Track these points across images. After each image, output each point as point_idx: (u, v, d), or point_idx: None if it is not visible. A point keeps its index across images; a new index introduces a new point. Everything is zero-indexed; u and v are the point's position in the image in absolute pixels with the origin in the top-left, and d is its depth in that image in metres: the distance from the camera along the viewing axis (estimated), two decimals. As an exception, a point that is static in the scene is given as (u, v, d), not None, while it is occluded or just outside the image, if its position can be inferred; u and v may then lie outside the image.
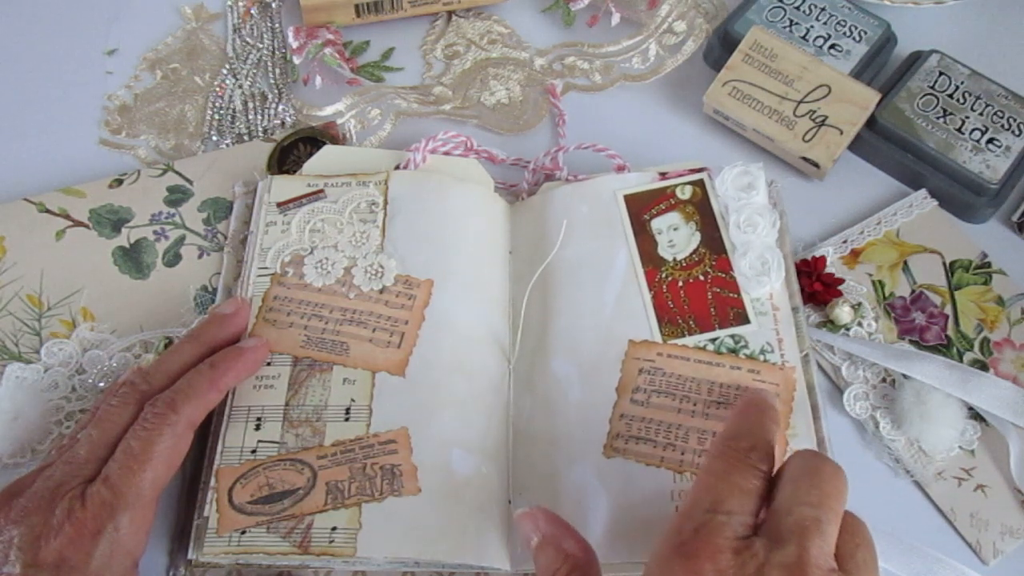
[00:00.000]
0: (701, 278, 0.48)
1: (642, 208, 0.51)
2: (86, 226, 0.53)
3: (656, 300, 0.48)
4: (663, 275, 0.49)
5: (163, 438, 0.39)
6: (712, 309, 0.47)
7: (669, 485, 0.42)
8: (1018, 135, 0.55)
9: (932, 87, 0.57)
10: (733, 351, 0.46)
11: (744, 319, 0.47)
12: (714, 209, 0.50)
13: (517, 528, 0.39)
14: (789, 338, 0.46)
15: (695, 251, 0.49)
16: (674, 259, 0.49)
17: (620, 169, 0.54)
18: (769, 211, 0.50)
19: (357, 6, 0.61)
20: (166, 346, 0.49)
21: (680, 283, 0.48)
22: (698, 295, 0.48)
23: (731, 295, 0.48)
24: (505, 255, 0.52)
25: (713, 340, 0.47)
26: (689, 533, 0.33)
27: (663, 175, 0.52)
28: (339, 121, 0.59)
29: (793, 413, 0.44)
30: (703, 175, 0.51)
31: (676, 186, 0.51)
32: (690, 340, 0.47)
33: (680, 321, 0.47)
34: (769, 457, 0.35)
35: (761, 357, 0.46)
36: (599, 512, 0.42)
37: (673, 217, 0.50)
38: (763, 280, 0.48)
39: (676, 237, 0.50)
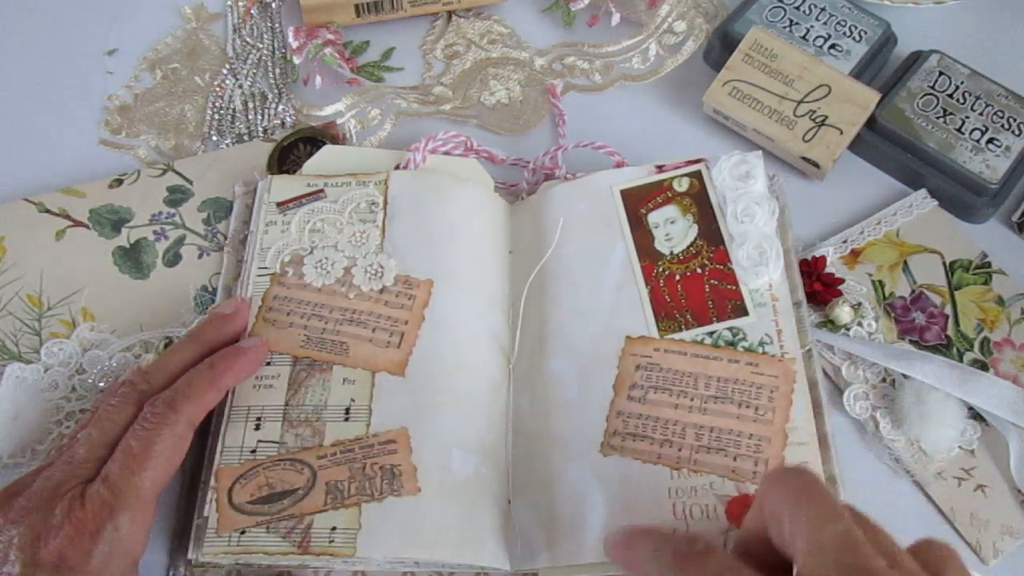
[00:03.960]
0: (698, 271, 0.48)
1: (639, 202, 0.51)
2: (86, 226, 0.53)
3: (653, 295, 0.48)
4: (660, 269, 0.49)
5: (163, 438, 0.39)
6: (710, 302, 0.47)
7: (666, 482, 0.42)
8: (1018, 135, 0.55)
9: (932, 87, 0.57)
10: (731, 344, 0.46)
11: (742, 311, 0.47)
12: (712, 200, 0.50)
13: (607, 553, 0.37)
14: (788, 329, 0.46)
15: (692, 244, 0.49)
16: (671, 252, 0.49)
17: (619, 166, 0.54)
18: (767, 200, 0.49)
19: (357, 6, 0.61)
20: (166, 346, 0.49)
21: (677, 277, 0.48)
22: (695, 288, 0.48)
23: (729, 287, 0.48)
24: (505, 255, 0.52)
25: (711, 334, 0.46)
26: None
27: (660, 168, 0.52)
28: (339, 121, 0.59)
29: (792, 406, 0.44)
30: (700, 166, 0.51)
31: (673, 178, 0.51)
32: (687, 334, 0.46)
33: (677, 315, 0.47)
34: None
35: (760, 349, 0.46)
36: (597, 510, 0.42)
37: (670, 210, 0.50)
38: (760, 270, 0.48)
39: (673, 230, 0.50)
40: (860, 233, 0.53)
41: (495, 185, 0.54)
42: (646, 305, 0.48)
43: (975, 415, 0.47)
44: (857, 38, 0.59)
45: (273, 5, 0.65)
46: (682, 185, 0.51)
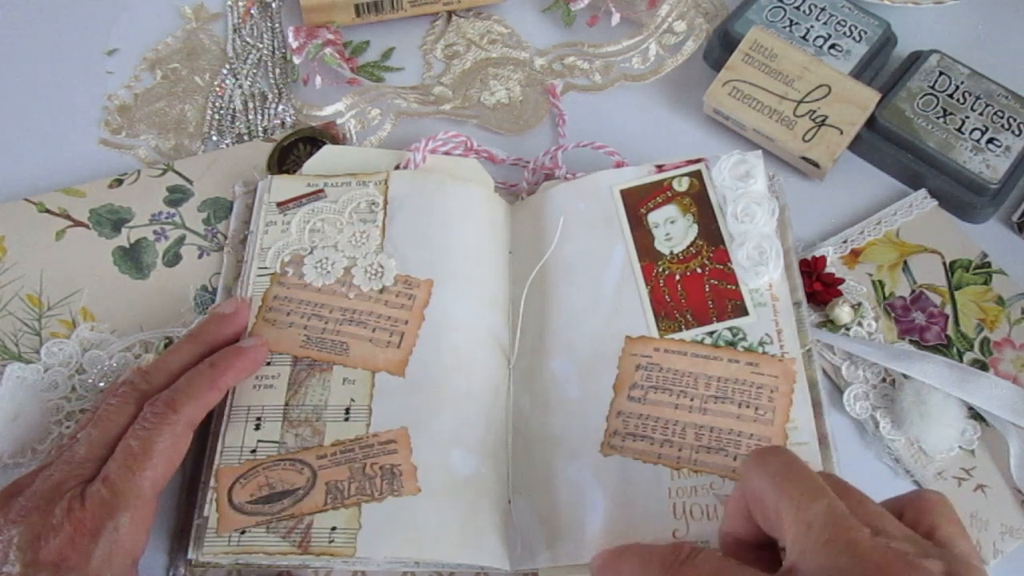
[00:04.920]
0: (698, 271, 0.48)
1: (639, 202, 0.51)
2: (86, 226, 0.53)
3: (653, 295, 0.48)
4: (660, 269, 0.49)
5: (163, 438, 0.39)
6: (710, 302, 0.47)
7: (666, 482, 0.42)
8: (1018, 135, 0.55)
9: (932, 87, 0.57)
10: (731, 344, 0.46)
11: (742, 311, 0.47)
12: (711, 200, 0.50)
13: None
14: (789, 329, 0.46)
15: (692, 243, 0.49)
16: (671, 252, 0.49)
17: (619, 166, 0.54)
18: (767, 199, 0.49)
19: (357, 6, 0.61)
20: (166, 346, 0.49)
21: (677, 277, 0.48)
22: (695, 288, 0.48)
23: (729, 287, 0.48)
24: (505, 255, 0.52)
25: (711, 333, 0.46)
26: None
27: (660, 168, 0.52)
28: (339, 121, 0.59)
29: (793, 406, 0.44)
30: (700, 166, 0.51)
31: (673, 178, 0.51)
32: (687, 334, 0.46)
33: (677, 315, 0.47)
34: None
35: (760, 349, 0.46)
36: (597, 510, 0.42)
37: (670, 210, 0.50)
38: (761, 270, 0.48)
39: (673, 230, 0.50)
40: (860, 233, 0.53)
41: (495, 185, 0.54)
42: (646, 305, 0.48)
43: (975, 415, 0.47)
44: (857, 38, 0.59)
45: (273, 5, 0.65)
46: (682, 185, 0.51)
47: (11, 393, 0.47)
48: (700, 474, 0.42)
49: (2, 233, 0.53)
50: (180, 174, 0.56)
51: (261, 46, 0.63)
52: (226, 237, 0.53)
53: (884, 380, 0.48)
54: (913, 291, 0.51)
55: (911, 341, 0.50)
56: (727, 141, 0.58)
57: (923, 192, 0.55)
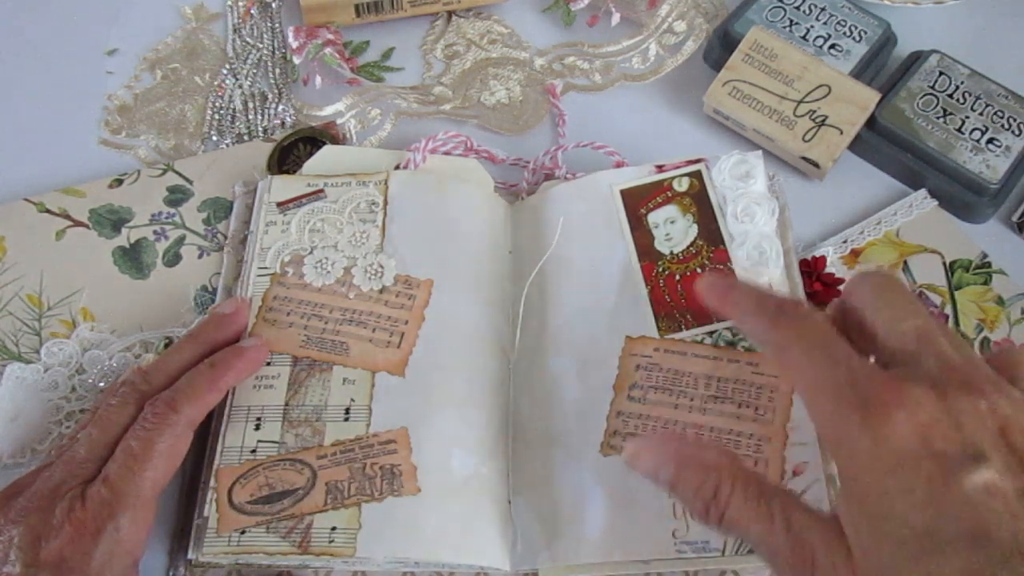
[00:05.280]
0: (698, 271, 0.48)
1: (639, 202, 0.51)
2: (86, 226, 0.53)
3: (653, 295, 0.48)
4: (660, 269, 0.49)
5: (163, 438, 0.39)
6: (710, 302, 0.47)
7: (668, 484, 0.42)
8: (1018, 135, 0.55)
9: (932, 87, 0.57)
10: (731, 344, 0.46)
11: (743, 312, 0.47)
12: (712, 200, 0.50)
13: (637, 467, 0.35)
14: None
15: (692, 243, 0.49)
16: (671, 252, 0.49)
17: (619, 166, 0.54)
18: (767, 200, 0.49)
19: (357, 6, 0.61)
20: (166, 346, 0.49)
21: (677, 277, 0.48)
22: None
23: (729, 287, 0.48)
24: (505, 255, 0.52)
25: (711, 333, 0.46)
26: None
27: (660, 168, 0.52)
28: (339, 121, 0.59)
29: (793, 406, 0.44)
30: (700, 166, 0.51)
31: (673, 178, 0.51)
32: (687, 334, 0.46)
33: (677, 315, 0.47)
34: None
35: (760, 348, 0.46)
36: (597, 511, 0.42)
37: (670, 210, 0.50)
38: (761, 270, 0.48)
39: (673, 230, 0.50)
40: (860, 233, 0.53)
41: (495, 185, 0.54)
42: (646, 305, 0.48)
43: (975, 415, 0.47)
44: (857, 38, 0.59)
45: (273, 5, 0.65)
46: (682, 185, 0.51)
47: (11, 393, 0.47)
48: (700, 474, 0.42)
49: (2, 233, 0.53)
50: (180, 174, 0.56)
51: (261, 46, 0.63)
52: (226, 237, 0.53)
53: (884, 380, 0.48)
54: (913, 291, 0.51)
55: (911, 341, 0.50)
56: (727, 141, 0.58)
57: (923, 192, 0.55)
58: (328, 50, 0.60)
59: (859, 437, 0.29)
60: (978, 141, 0.54)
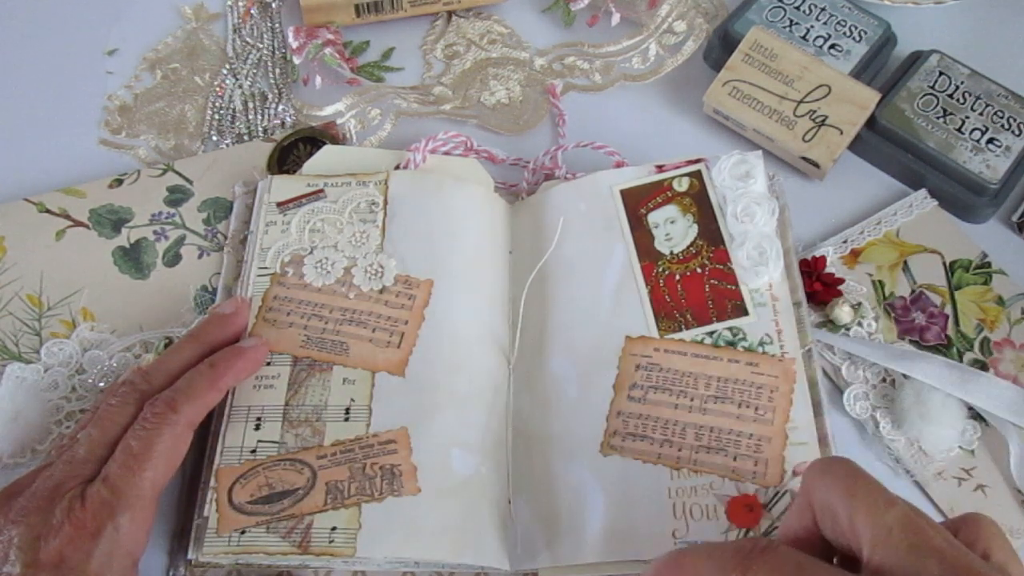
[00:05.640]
0: (698, 271, 0.48)
1: (639, 202, 0.51)
2: (86, 226, 0.53)
3: (653, 295, 0.48)
4: (660, 269, 0.49)
5: (163, 438, 0.39)
6: (710, 302, 0.47)
7: (666, 482, 0.42)
8: (1018, 135, 0.55)
9: (932, 87, 0.57)
10: (731, 344, 0.46)
11: (742, 311, 0.47)
12: (712, 200, 0.50)
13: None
14: (789, 329, 0.46)
15: (692, 243, 0.49)
16: (671, 252, 0.49)
17: (619, 166, 0.54)
18: (767, 200, 0.49)
19: (357, 6, 0.61)
20: (166, 346, 0.49)
21: (677, 277, 0.48)
22: (695, 288, 0.48)
23: (729, 287, 0.48)
24: (505, 255, 0.52)
25: (711, 333, 0.46)
26: None
27: (660, 168, 0.52)
28: (339, 121, 0.59)
29: (793, 407, 0.44)
30: (700, 166, 0.51)
31: (673, 178, 0.51)
32: (687, 334, 0.46)
33: (677, 315, 0.47)
34: None
35: (760, 349, 0.46)
36: (597, 510, 0.42)
37: (670, 210, 0.50)
38: (761, 270, 0.48)
39: (673, 230, 0.50)
40: (860, 233, 0.53)
41: (495, 185, 0.54)
42: (646, 305, 0.48)
43: (975, 415, 0.47)
44: (857, 38, 0.59)
45: (273, 5, 0.65)
46: (682, 185, 0.51)
47: (11, 393, 0.47)
48: (700, 474, 0.42)
49: (2, 233, 0.53)
50: (180, 174, 0.56)
51: (261, 46, 0.63)
52: (226, 237, 0.53)
53: (884, 380, 0.48)
54: (913, 291, 0.51)
55: (911, 341, 0.50)
56: (727, 141, 0.58)
57: (923, 192, 0.55)
58: (328, 50, 0.60)
59: None
60: (978, 141, 0.54)
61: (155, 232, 0.53)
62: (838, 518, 0.31)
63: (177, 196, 0.55)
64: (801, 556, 0.30)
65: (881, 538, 0.29)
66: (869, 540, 0.29)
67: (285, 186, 0.52)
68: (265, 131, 0.58)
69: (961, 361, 0.49)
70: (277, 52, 0.62)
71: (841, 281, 0.51)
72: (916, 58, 0.58)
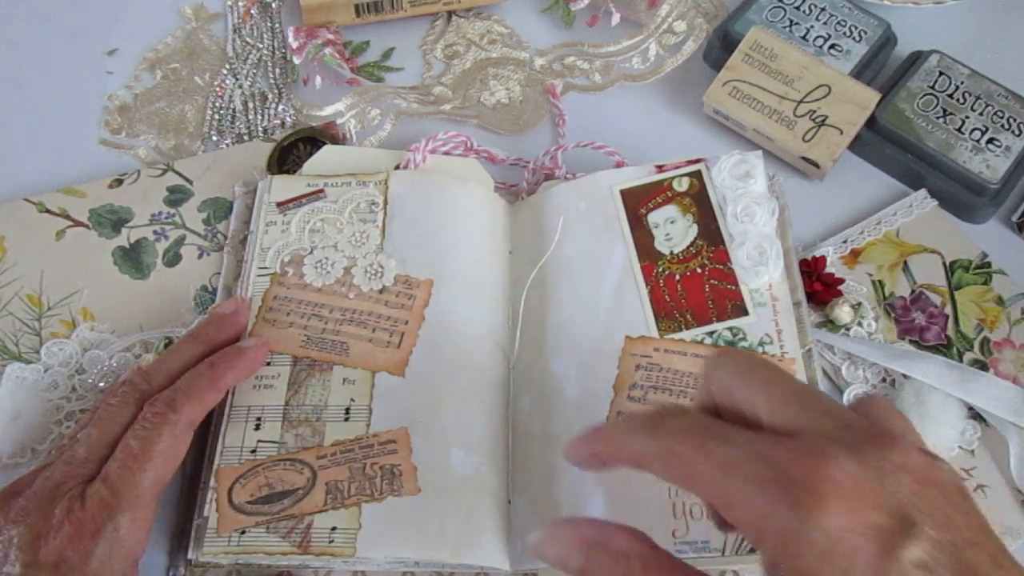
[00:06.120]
0: (698, 271, 0.48)
1: (639, 202, 0.51)
2: (86, 226, 0.53)
3: (653, 295, 0.48)
4: (660, 269, 0.49)
5: (163, 438, 0.39)
6: (710, 302, 0.47)
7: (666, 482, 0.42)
8: (1018, 135, 0.55)
9: (932, 87, 0.57)
10: (731, 344, 0.46)
11: (742, 311, 0.47)
12: (711, 200, 0.50)
13: (544, 557, 0.32)
14: (789, 329, 0.46)
15: (692, 243, 0.49)
16: (671, 252, 0.49)
17: (619, 166, 0.54)
18: (767, 200, 0.49)
19: (357, 6, 0.61)
20: (166, 346, 0.49)
21: (677, 277, 0.48)
22: (695, 288, 0.48)
23: (729, 287, 0.48)
24: (505, 255, 0.52)
25: (711, 334, 0.46)
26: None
27: (660, 168, 0.52)
28: (339, 121, 0.59)
29: None
30: (700, 166, 0.51)
31: (673, 178, 0.51)
32: (687, 334, 0.46)
33: (677, 315, 0.47)
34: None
35: (760, 349, 0.46)
36: (597, 510, 0.42)
37: (670, 210, 0.50)
38: (761, 270, 0.48)
39: (673, 230, 0.50)
40: (860, 233, 0.53)
41: (495, 185, 0.54)
42: (646, 305, 0.48)
43: (975, 415, 0.47)
44: (857, 38, 0.59)
45: (273, 5, 0.65)
46: (682, 185, 0.51)
47: (11, 393, 0.47)
48: (700, 474, 0.42)
49: (2, 233, 0.53)
50: (180, 174, 0.56)
51: (261, 46, 0.63)
52: (226, 237, 0.53)
53: (884, 380, 0.48)
54: (913, 291, 0.51)
55: (911, 341, 0.50)
56: (727, 141, 0.58)
57: (923, 192, 0.55)
58: (328, 50, 0.60)
59: (787, 524, 0.27)
60: (978, 141, 0.54)
61: (155, 232, 0.53)
62: (737, 401, 0.32)
63: (177, 196, 0.55)
64: (709, 419, 0.32)
65: (778, 408, 0.31)
66: (767, 410, 0.31)
67: (285, 186, 0.52)
68: (265, 131, 0.58)
69: (961, 361, 0.49)
70: (277, 52, 0.62)
71: (841, 281, 0.51)
72: (916, 58, 0.58)
